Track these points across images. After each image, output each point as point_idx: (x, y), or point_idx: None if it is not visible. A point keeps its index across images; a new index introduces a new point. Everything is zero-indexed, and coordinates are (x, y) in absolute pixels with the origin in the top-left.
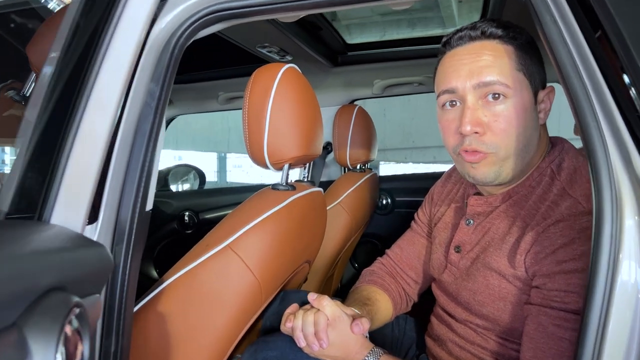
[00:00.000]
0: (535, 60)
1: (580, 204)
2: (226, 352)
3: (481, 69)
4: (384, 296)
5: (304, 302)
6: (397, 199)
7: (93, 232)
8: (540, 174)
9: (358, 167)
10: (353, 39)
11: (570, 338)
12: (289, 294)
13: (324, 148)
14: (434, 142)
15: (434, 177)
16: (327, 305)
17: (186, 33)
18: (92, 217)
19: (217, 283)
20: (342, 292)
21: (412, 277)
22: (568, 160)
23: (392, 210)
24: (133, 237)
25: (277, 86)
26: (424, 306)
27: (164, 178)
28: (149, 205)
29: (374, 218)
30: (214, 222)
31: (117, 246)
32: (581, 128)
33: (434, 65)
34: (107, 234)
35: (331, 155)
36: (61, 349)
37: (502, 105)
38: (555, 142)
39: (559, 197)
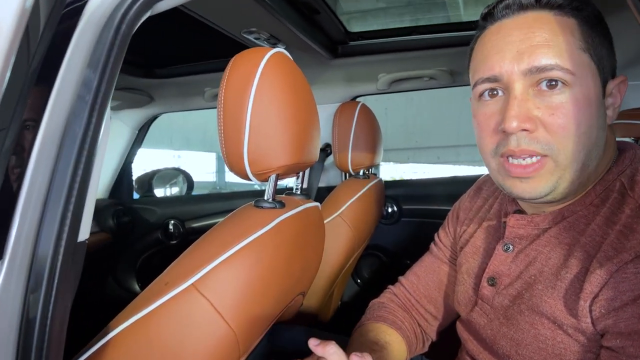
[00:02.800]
0: (605, 40)
1: None
2: None
3: (534, 49)
4: (396, 336)
5: (295, 341)
6: (404, 207)
7: None
8: (605, 188)
9: (361, 172)
10: (355, 27)
11: None
12: (280, 331)
13: (323, 150)
14: (437, 142)
15: (445, 182)
16: (334, 354)
17: (137, 4)
18: None
19: (178, 335)
20: (342, 311)
21: (431, 311)
22: None
23: (399, 219)
24: (56, 279)
25: (260, 75)
26: (443, 345)
27: (148, 182)
28: (84, 234)
29: (378, 228)
30: (200, 231)
31: (32, 294)
32: None
33: (447, 57)
34: (18, 279)
35: (330, 158)
36: None
37: (561, 96)
38: (624, 148)
39: (634, 220)
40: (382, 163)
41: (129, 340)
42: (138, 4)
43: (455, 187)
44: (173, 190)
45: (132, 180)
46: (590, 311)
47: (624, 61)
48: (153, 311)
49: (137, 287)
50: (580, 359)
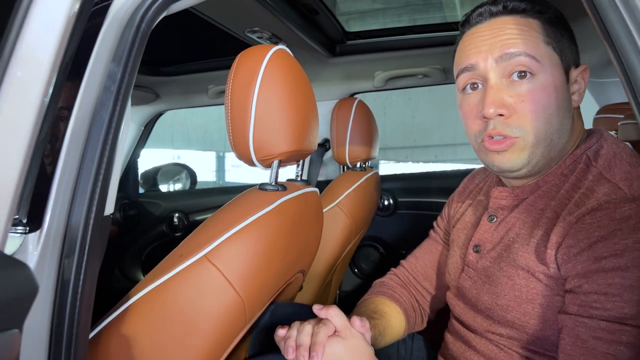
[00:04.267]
0: (565, 34)
1: (620, 189)
2: None
3: (504, 42)
4: (394, 307)
5: (296, 316)
6: (399, 199)
7: (35, 242)
8: (574, 161)
9: (358, 165)
10: (352, 27)
11: (616, 353)
12: (280, 307)
13: (322, 145)
14: (435, 140)
15: (439, 176)
16: (336, 316)
17: (155, 5)
18: (36, 224)
19: (192, 301)
20: (341, 300)
21: (427, 287)
22: (607, 146)
23: (395, 211)
24: (87, 247)
25: (264, 69)
26: (435, 324)
27: (153, 177)
28: (109, 209)
29: (375, 220)
30: None
31: (67, 258)
32: (636, 102)
33: (440, 55)
34: (54, 245)
35: (329, 154)
36: None
37: (529, 84)
38: (593, 131)
39: (595, 183)
40: (381, 162)
41: (148, 306)
42: (156, 4)
43: (448, 181)
44: (177, 185)
45: (137, 175)
46: (556, 258)
47: (602, 61)
48: (169, 279)
49: (142, 279)
50: (549, 302)
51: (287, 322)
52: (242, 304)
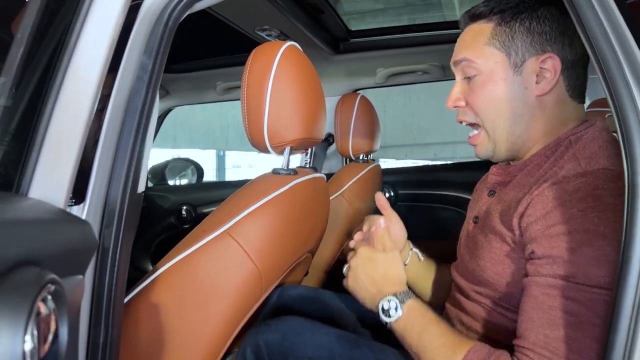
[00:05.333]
0: (521, 30)
1: (580, 166)
2: (223, 346)
3: (456, 50)
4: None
5: (302, 297)
6: (400, 192)
7: (80, 213)
8: (557, 143)
9: (361, 157)
10: (353, 26)
11: (560, 306)
12: (287, 289)
13: (325, 140)
14: (435, 139)
15: (439, 169)
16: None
17: (181, 4)
18: (80, 197)
19: (214, 271)
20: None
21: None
22: (591, 132)
23: (395, 203)
24: (124, 219)
25: (277, 64)
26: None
27: (161, 172)
28: (141, 187)
29: (376, 212)
30: None
31: (106, 229)
32: (611, 96)
33: (439, 53)
34: (96, 216)
35: (332, 147)
36: (32, 328)
37: (474, 83)
38: (587, 121)
39: (566, 162)
40: (381, 160)
41: (174, 276)
42: (182, 3)
43: (448, 173)
44: (184, 180)
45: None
46: (520, 226)
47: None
48: (194, 252)
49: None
50: (517, 264)
51: (294, 304)
52: (259, 275)
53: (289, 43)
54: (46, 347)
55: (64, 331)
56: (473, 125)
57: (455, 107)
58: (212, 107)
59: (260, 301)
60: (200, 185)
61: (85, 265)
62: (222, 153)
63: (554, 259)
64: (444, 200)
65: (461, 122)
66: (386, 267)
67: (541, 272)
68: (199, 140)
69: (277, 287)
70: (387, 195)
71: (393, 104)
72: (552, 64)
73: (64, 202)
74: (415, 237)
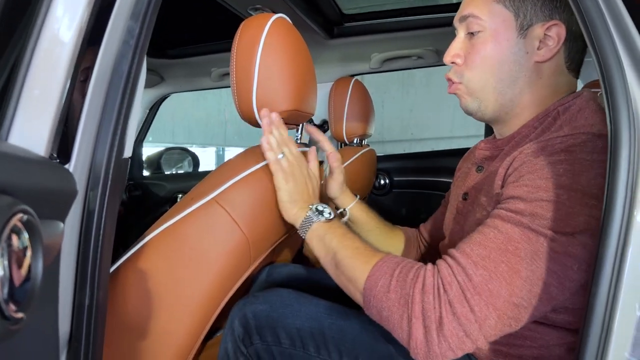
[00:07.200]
0: None
1: (562, 130)
2: (212, 314)
3: (464, 5)
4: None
5: (292, 275)
6: (395, 178)
7: None
8: (545, 115)
9: (355, 141)
10: (349, 9)
11: (500, 231)
12: (277, 267)
13: (320, 127)
14: (432, 134)
15: (434, 155)
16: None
17: None
18: (65, 158)
19: (202, 238)
20: None
21: (425, 238)
22: (579, 102)
23: (390, 190)
24: (109, 183)
25: (266, 35)
26: None
27: (157, 162)
28: (127, 152)
29: (371, 198)
30: None
31: (91, 191)
32: (595, 53)
33: (433, 36)
34: (81, 177)
35: (328, 135)
36: (2, 255)
37: (476, 40)
38: (578, 92)
39: (551, 132)
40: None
41: (163, 242)
42: None
43: (442, 160)
44: (180, 169)
45: (142, 157)
46: (501, 187)
47: None
48: (182, 219)
49: None
50: None
51: (283, 282)
52: (247, 243)
53: (278, 15)
54: (17, 282)
55: (38, 267)
56: (452, 81)
57: (452, 62)
58: (211, 103)
59: (249, 271)
60: (196, 173)
61: (64, 211)
62: (221, 152)
63: (512, 198)
64: (438, 187)
65: (448, 80)
66: (313, 176)
67: (498, 207)
68: (197, 136)
69: (266, 265)
70: (382, 182)
71: (391, 99)
72: (557, 32)
73: (44, 151)
74: (410, 223)
